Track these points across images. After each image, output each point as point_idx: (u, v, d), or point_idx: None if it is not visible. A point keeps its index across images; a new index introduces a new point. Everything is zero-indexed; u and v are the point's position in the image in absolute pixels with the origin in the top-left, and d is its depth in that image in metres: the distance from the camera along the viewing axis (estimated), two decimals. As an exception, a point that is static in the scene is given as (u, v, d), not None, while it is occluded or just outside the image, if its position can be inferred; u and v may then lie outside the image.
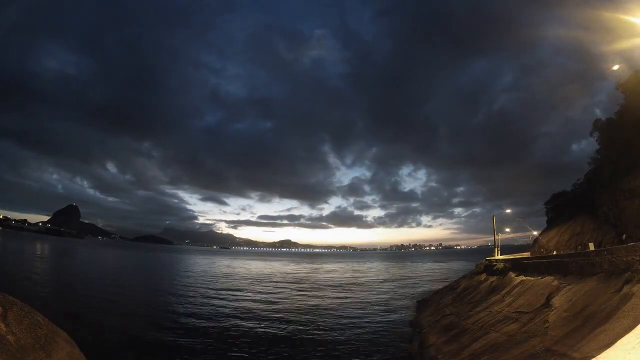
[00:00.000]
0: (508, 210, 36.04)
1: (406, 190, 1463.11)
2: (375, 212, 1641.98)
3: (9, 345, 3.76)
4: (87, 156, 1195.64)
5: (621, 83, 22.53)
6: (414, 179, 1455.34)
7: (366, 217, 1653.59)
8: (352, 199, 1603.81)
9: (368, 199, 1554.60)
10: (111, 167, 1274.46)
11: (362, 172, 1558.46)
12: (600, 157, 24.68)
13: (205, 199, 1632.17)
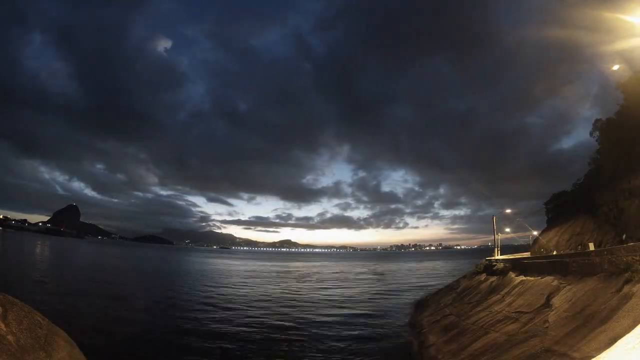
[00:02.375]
0: (508, 210, 36.00)
1: (396, 191, 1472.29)
2: (367, 213, 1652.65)
3: (9, 345, 3.76)
4: (85, 158, 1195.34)
5: (621, 83, 22.54)
6: (404, 181, 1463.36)
7: (360, 218, 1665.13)
8: (344, 201, 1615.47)
9: (360, 200, 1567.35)
10: (109, 168, 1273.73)
11: (353, 174, 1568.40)
12: (600, 157, 24.70)
13: (204, 199, 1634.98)
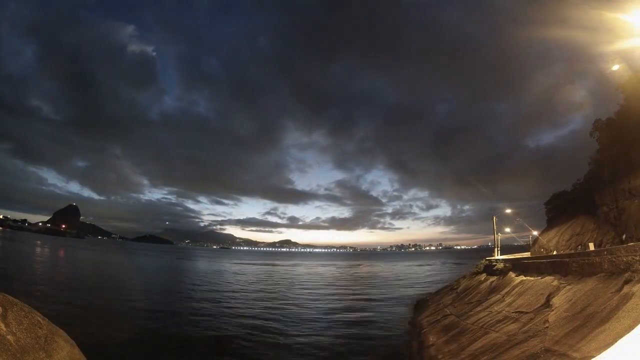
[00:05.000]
0: (508, 210, 35.96)
1: (378, 193, 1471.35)
2: (351, 214, 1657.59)
3: (9, 345, 3.76)
4: (82, 159, 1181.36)
5: (621, 83, 22.52)
6: (380, 182, 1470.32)
7: (347, 218, 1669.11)
8: (327, 203, 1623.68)
9: (343, 202, 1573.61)
10: (105, 169, 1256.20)
11: (333, 177, 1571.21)
12: (600, 157, 24.68)
13: (205, 200, 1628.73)
